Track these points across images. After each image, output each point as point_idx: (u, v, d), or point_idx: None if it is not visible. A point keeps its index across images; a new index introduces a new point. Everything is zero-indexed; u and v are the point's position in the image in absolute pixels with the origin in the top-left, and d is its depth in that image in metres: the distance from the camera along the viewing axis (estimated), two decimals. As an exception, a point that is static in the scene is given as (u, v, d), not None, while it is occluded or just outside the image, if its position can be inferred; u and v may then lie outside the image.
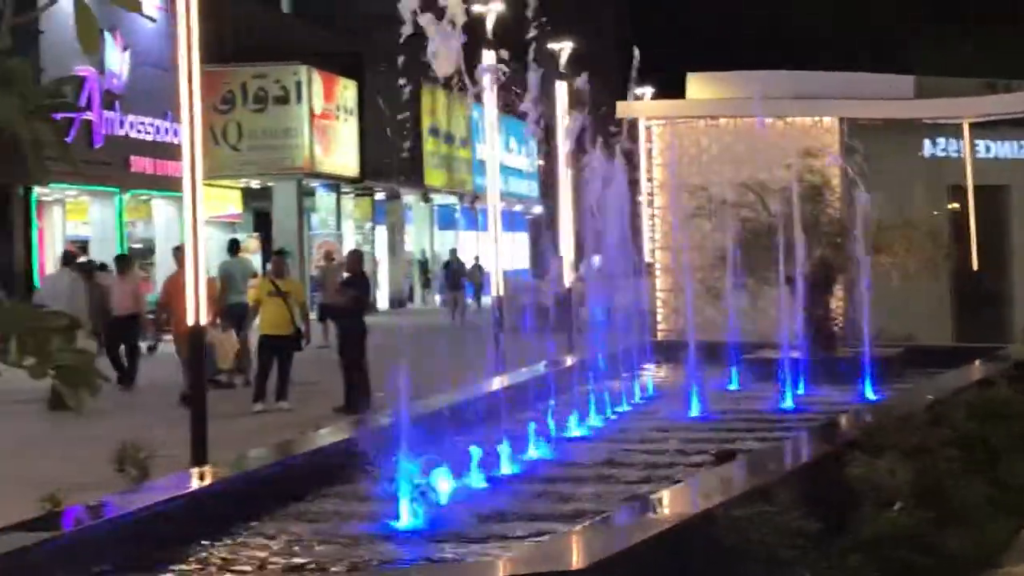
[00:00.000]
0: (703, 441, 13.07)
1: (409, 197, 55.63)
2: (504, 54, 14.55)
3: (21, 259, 33.68)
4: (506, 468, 11.75)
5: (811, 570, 8.40)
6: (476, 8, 49.45)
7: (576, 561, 7.36)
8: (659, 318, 24.73)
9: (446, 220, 61.77)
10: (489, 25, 43.33)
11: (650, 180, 25.32)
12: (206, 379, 14.64)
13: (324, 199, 48.87)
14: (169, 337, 23.04)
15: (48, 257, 36.53)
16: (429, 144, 54.88)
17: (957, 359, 17.14)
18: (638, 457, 12.42)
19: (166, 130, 38.40)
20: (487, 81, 19.04)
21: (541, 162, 65.82)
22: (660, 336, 23.68)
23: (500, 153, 39.06)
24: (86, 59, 30.75)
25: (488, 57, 17.26)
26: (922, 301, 23.08)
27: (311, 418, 17.61)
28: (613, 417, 15.39)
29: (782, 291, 18.43)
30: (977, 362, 16.81)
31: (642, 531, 8.01)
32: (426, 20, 10.35)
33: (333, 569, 8.48)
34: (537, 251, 65.81)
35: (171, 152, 36.03)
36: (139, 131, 38.21)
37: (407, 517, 9.62)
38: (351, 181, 48.39)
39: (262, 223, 46.68)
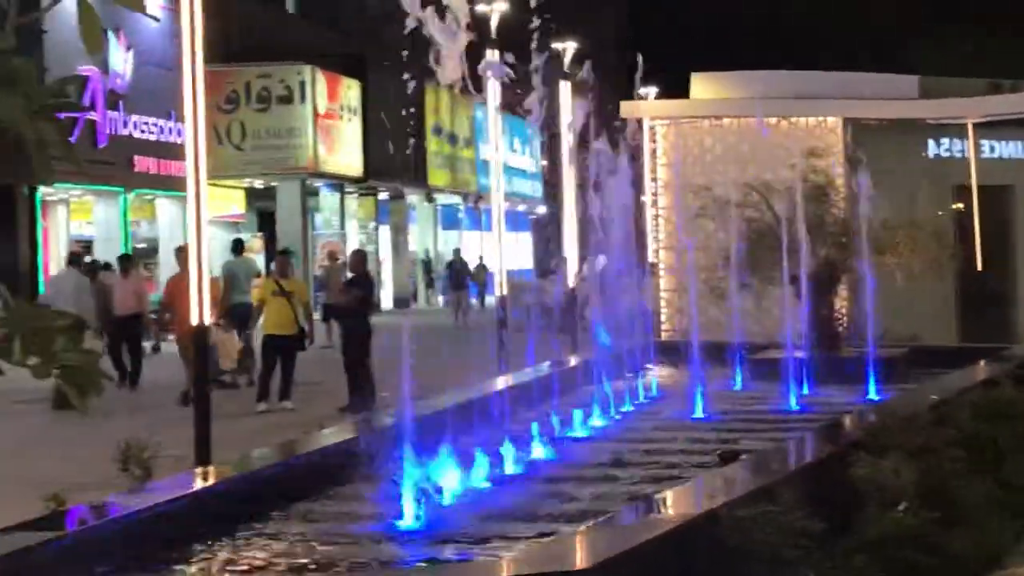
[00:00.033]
0: (706, 441, 13.06)
1: (413, 197, 55.63)
2: (510, 58, 14.51)
3: (26, 259, 33.70)
4: (508, 469, 11.73)
5: (815, 570, 8.39)
6: (480, 8, 49.54)
7: (580, 561, 7.35)
8: (663, 318, 24.72)
9: (450, 220, 61.78)
10: (493, 25, 43.29)
11: (654, 180, 25.31)
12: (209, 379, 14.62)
13: (328, 199, 48.88)
14: (172, 337, 23.03)
15: (52, 257, 36.56)
16: (433, 144, 54.88)
17: (962, 359, 17.13)
18: (641, 458, 12.40)
19: (170, 130, 38.41)
20: (491, 81, 19.06)
21: (545, 162, 65.86)
22: (664, 336, 23.67)
23: (504, 153, 39.07)
24: (90, 59, 30.75)
25: (492, 57, 17.23)
26: (927, 301, 23.07)
27: (315, 418, 17.59)
28: (617, 417, 15.38)
29: (786, 291, 18.43)
30: (982, 362, 16.79)
31: (646, 531, 8.00)
32: (431, 23, 10.34)
33: (336, 569, 8.48)
34: (541, 251, 65.83)
35: (175, 152, 36.03)
36: (143, 131, 38.23)
37: (411, 517, 9.61)
38: (355, 181, 48.40)
39: (266, 223, 46.69)
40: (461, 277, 45.32)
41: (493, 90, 20.39)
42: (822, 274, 18.91)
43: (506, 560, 8.07)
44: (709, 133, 25.12)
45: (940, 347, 20.75)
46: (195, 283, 12.18)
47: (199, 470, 11.03)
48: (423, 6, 10.11)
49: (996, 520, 10.47)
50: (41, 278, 33.95)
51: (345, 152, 46.37)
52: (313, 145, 43.77)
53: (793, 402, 16.07)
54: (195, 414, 12.06)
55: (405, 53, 10.05)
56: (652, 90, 46.05)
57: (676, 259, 23.86)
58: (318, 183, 46.82)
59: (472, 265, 48.99)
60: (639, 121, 25.28)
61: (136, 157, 37.86)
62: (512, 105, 19.99)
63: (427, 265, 57.20)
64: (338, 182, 47.67)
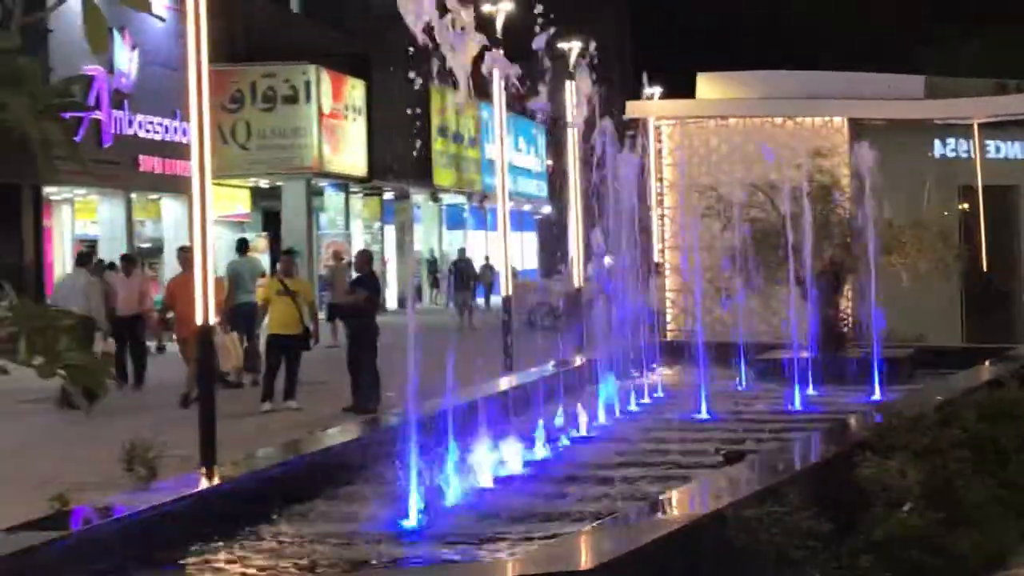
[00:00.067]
0: (712, 441, 13.05)
1: (418, 197, 55.63)
2: (516, 71, 14.50)
3: (30, 258, 33.71)
4: (510, 469, 11.73)
5: (821, 570, 8.39)
6: (485, 7, 49.52)
7: (585, 561, 7.34)
8: (668, 318, 24.71)
9: (455, 220, 61.77)
10: (499, 25, 43.25)
11: (659, 180, 25.30)
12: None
13: (333, 199, 48.89)
14: (176, 338, 23.03)
15: (57, 256, 36.57)
16: (438, 144, 54.87)
17: (967, 360, 17.10)
18: (645, 458, 12.40)
19: (175, 129, 38.42)
20: (496, 80, 19.03)
21: (550, 162, 65.83)
22: (669, 336, 23.66)
23: (509, 153, 39.05)
24: (95, 58, 30.75)
25: (497, 54, 17.18)
26: (932, 301, 23.05)
27: (320, 418, 17.60)
28: (621, 417, 15.38)
29: (792, 291, 18.41)
30: (987, 363, 16.77)
31: (652, 531, 7.99)
32: (439, 34, 10.36)
33: (340, 569, 8.47)
34: (546, 251, 65.83)
35: (180, 151, 36.08)
36: (148, 130, 38.23)
37: (415, 517, 9.61)
38: (360, 181, 48.40)
39: (271, 222, 46.69)
40: (466, 277, 45.30)
41: (499, 89, 20.37)
42: (828, 274, 18.90)
43: (511, 560, 8.06)
44: (715, 133, 25.10)
45: (946, 347, 20.74)
46: (200, 283, 12.17)
47: (204, 470, 11.02)
48: (427, 30, 10.14)
49: (1001, 520, 10.46)
50: (45, 278, 33.96)
51: (350, 152, 46.38)
52: (318, 145, 43.77)
53: (798, 403, 16.06)
54: (200, 414, 12.04)
55: (411, 50, 10.04)
56: (657, 90, 46.06)
57: (682, 259, 23.85)
58: (323, 183, 46.82)
59: (478, 265, 48.96)
60: (638, 122, 25.26)
61: (141, 157, 37.86)
62: (517, 101, 19.92)
63: (432, 265, 57.19)
64: (343, 182, 47.67)
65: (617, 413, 15.48)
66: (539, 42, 14.23)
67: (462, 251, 50.15)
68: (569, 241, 23.22)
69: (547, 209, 66.93)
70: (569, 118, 20.85)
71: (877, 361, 16.89)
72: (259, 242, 42.39)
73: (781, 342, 18.80)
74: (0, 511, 9.81)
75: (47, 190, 34.84)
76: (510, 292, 21.61)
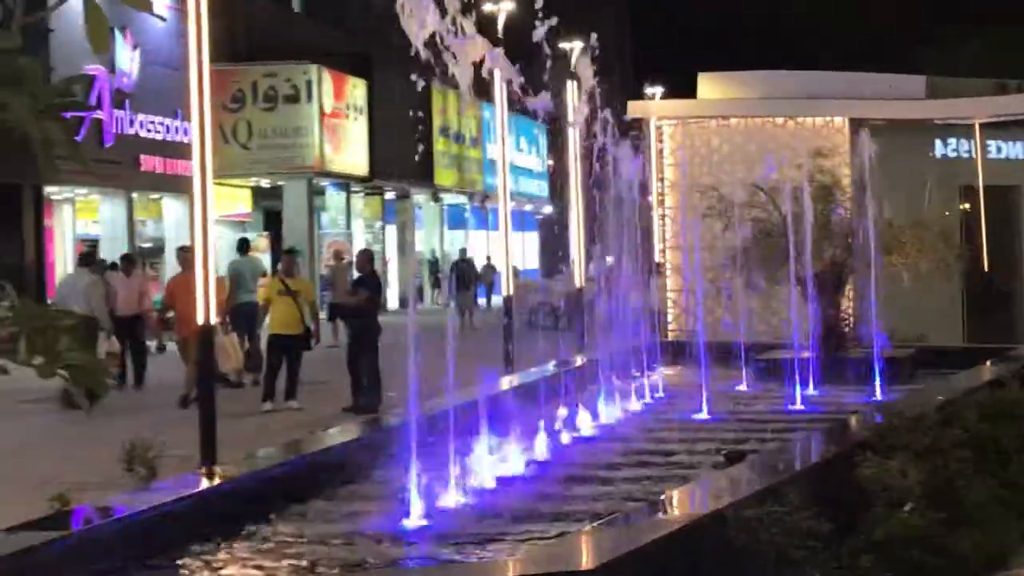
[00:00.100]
0: (712, 441, 13.05)
1: (419, 196, 55.62)
2: (519, 76, 14.50)
3: (31, 258, 33.71)
4: (511, 469, 11.72)
5: (821, 570, 8.38)
6: (487, 7, 49.51)
7: (586, 561, 7.34)
8: (669, 318, 24.71)
9: (456, 220, 61.76)
10: (500, 24, 43.28)
11: (661, 180, 25.29)
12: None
13: (334, 198, 48.88)
14: (176, 337, 23.01)
15: (58, 256, 36.57)
16: (439, 144, 54.86)
17: (968, 360, 17.10)
18: (646, 458, 12.39)
19: (176, 129, 38.42)
20: (497, 79, 19.01)
21: (551, 162, 65.82)
22: (670, 336, 23.66)
23: (511, 153, 39.06)
24: (96, 58, 30.74)
25: (498, 53, 17.15)
26: (934, 301, 23.05)
27: (320, 418, 17.60)
28: (622, 417, 15.38)
29: (793, 291, 18.41)
30: (988, 363, 16.77)
31: (652, 531, 7.99)
32: (443, 39, 10.37)
33: (341, 569, 8.47)
34: (547, 251, 65.82)
35: (181, 151, 36.05)
36: (149, 130, 38.22)
37: (417, 516, 9.61)
38: (361, 180, 48.40)
39: (272, 222, 46.69)
40: (467, 277, 45.29)
41: (500, 89, 20.35)
42: (829, 274, 18.89)
43: (512, 560, 8.06)
44: (716, 133, 25.09)
45: (947, 347, 20.73)
46: (201, 282, 12.17)
47: (204, 470, 11.02)
48: (428, 43, 10.16)
49: (1002, 520, 10.45)
50: (46, 277, 33.95)
51: (351, 151, 46.37)
52: (319, 144, 43.77)
53: (799, 402, 16.06)
54: (200, 414, 12.04)
55: (412, 51, 10.04)
56: (658, 90, 46.07)
57: (683, 259, 23.84)
58: (324, 182, 46.81)
59: (480, 265, 48.94)
60: (638, 122, 25.26)
61: (142, 156, 37.87)
62: (518, 101, 19.91)
63: (433, 265, 57.18)
64: (344, 181, 47.67)
65: (617, 413, 15.47)
66: (540, 34, 14.22)
67: (463, 251, 50.14)
68: (570, 241, 23.21)
69: (548, 209, 66.92)
70: (570, 117, 20.83)
71: (878, 361, 16.89)
72: (260, 242, 42.38)
73: (782, 342, 18.79)
74: (0, 511, 9.81)
75: (48, 190, 34.84)
76: (511, 292, 21.60)
